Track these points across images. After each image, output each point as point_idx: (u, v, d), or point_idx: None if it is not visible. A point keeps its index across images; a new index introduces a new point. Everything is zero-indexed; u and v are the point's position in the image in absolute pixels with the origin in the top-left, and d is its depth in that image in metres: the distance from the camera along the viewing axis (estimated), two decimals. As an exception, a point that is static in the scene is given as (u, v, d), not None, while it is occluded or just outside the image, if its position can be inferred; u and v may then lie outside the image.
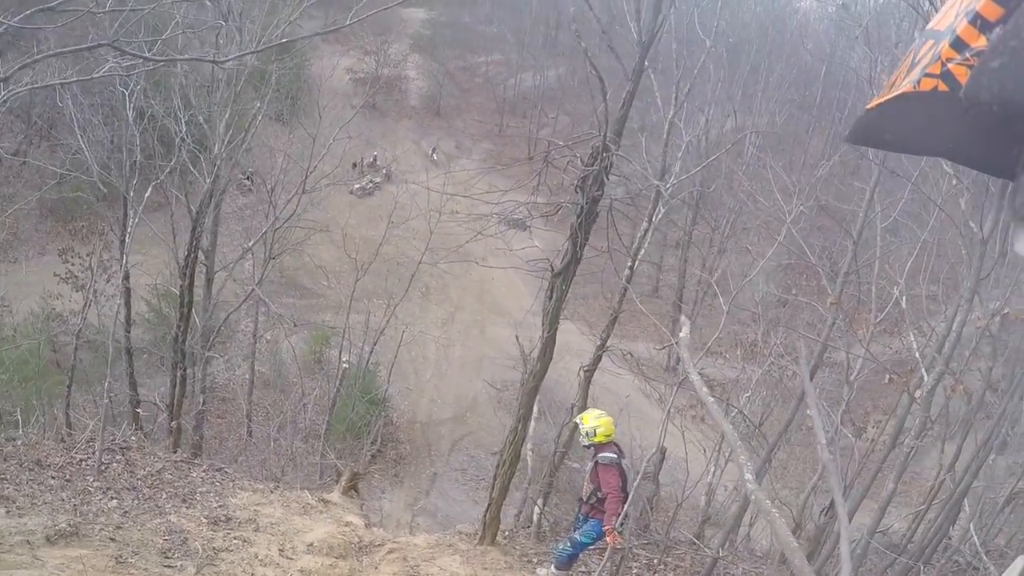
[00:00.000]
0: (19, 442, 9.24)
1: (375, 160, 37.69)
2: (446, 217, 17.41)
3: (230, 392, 23.54)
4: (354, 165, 35.76)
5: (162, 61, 8.63)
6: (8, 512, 6.62)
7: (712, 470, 13.39)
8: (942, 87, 1.10)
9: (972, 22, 1.04)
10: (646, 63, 7.34)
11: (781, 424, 13.46)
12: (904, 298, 10.15)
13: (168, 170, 13.45)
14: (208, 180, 13.81)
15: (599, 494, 7.78)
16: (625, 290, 10.43)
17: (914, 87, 1.15)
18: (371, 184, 36.93)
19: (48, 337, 16.73)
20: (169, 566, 6.68)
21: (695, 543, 11.45)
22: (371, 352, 22.62)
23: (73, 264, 13.22)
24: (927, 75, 1.12)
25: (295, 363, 23.80)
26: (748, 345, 22.92)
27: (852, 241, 10.70)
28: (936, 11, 1.19)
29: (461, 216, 10.44)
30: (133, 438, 10.35)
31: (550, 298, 8.45)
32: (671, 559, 10.65)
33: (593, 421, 7.76)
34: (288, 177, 19.34)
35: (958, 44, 1.06)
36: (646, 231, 10.47)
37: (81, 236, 16.02)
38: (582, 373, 11.29)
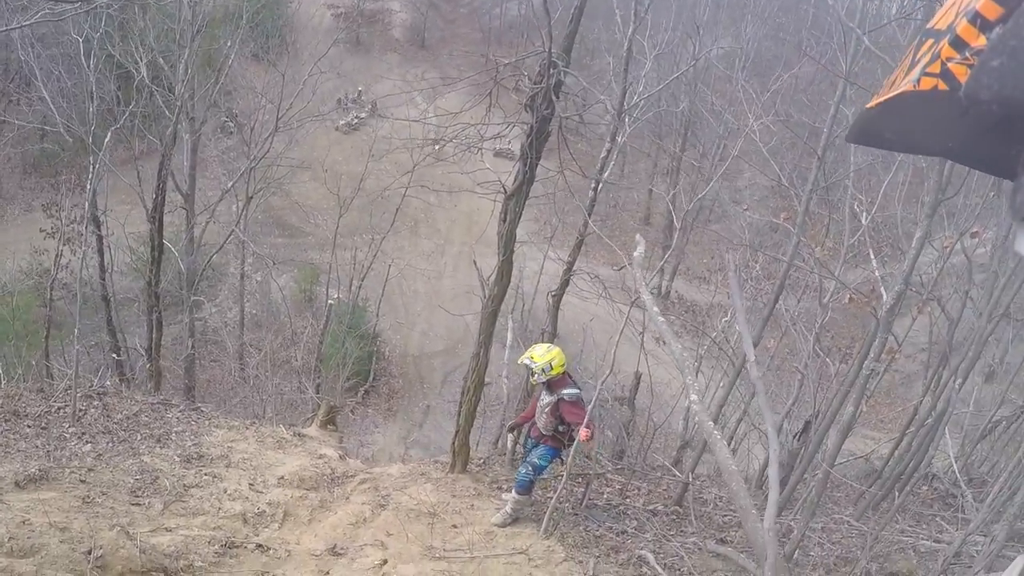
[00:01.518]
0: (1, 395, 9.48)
1: (360, 95, 37.32)
2: (427, 148, 17.37)
3: (223, 335, 23.76)
4: (339, 101, 35.44)
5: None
6: (-24, 460, 6.87)
7: (690, 394, 13.48)
8: (942, 86, 1.10)
9: (972, 21, 1.04)
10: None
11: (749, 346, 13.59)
12: (865, 214, 10.10)
13: (127, 114, 13.41)
14: (172, 121, 13.79)
15: (561, 427, 7.82)
16: (590, 213, 10.40)
17: (914, 86, 1.15)
18: (356, 120, 36.61)
19: (33, 292, 16.89)
20: (137, 504, 6.95)
21: (668, 468, 11.66)
22: (359, 288, 22.75)
23: (58, 218, 13.28)
24: (927, 74, 1.13)
25: (284, 303, 24.01)
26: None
27: (817, 157, 10.60)
28: None
29: (419, 143, 10.36)
30: (109, 383, 10.57)
31: (503, 220, 8.37)
32: (645, 484, 10.79)
33: (545, 355, 7.62)
34: (270, 117, 19.25)
35: (958, 43, 1.07)
36: (609, 151, 10.38)
37: (65, 190, 16.06)
38: (550, 298, 11.32)
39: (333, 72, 28.29)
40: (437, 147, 9.13)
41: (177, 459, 8.44)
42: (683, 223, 31.46)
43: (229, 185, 18.38)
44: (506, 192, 8.31)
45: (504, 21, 47.81)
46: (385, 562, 6.51)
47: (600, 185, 10.55)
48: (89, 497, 6.61)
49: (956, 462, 12.05)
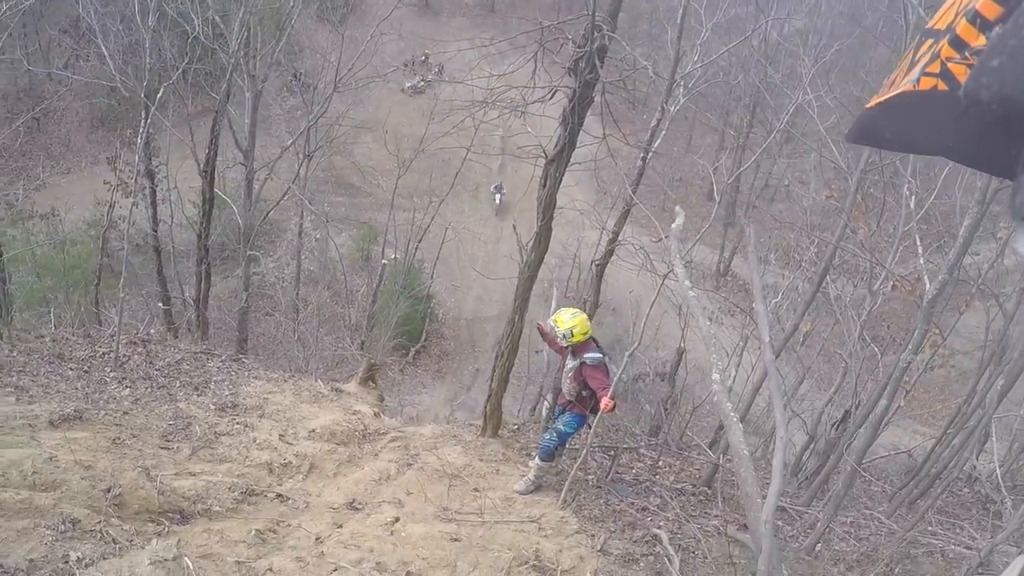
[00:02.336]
0: (47, 338, 9.85)
1: (427, 58, 37.33)
2: (491, 116, 17.29)
3: (278, 291, 24.24)
4: (406, 64, 35.52)
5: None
6: (19, 400, 7.17)
7: (733, 373, 13.32)
8: (941, 86, 1.12)
9: (971, 21, 1.05)
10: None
11: (805, 330, 13.36)
12: (913, 198, 9.78)
13: (179, 70, 13.66)
14: (226, 77, 14.03)
15: (584, 392, 7.80)
16: (637, 183, 10.29)
17: (913, 86, 1.17)
18: (423, 83, 36.68)
19: (94, 242, 17.42)
20: (166, 447, 7.19)
21: (701, 447, 11.55)
22: (415, 249, 22.97)
23: (122, 171, 13.67)
24: (926, 74, 1.15)
25: (341, 261, 24.35)
26: (784, 250, 22.54)
27: None
28: None
29: (459, 108, 10.34)
30: (154, 331, 10.90)
31: (543, 186, 8.32)
32: (678, 462, 10.73)
33: (569, 321, 7.59)
34: (333, 78, 19.42)
35: (957, 43, 1.08)
36: (659, 121, 10.22)
37: (130, 144, 16.53)
38: (593, 267, 11.25)
39: (398, 34, 28.35)
40: (481, 110, 9.06)
41: (212, 407, 8.69)
42: (748, 202, 30.96)
43: (289, 142, 18.61)
44: (547, 157, 8.23)
45: (577, -10, 47.10)
46: (397, 520, 6.63)
47: (649, 155, 10.42)
48: (120, 439, 6.86)
49: (1000, 466, 11.71)
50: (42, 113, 28.30)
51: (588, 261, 21.01)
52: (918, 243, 9.54)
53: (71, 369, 8.80)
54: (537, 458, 8.00)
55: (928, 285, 7.74)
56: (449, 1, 45.41)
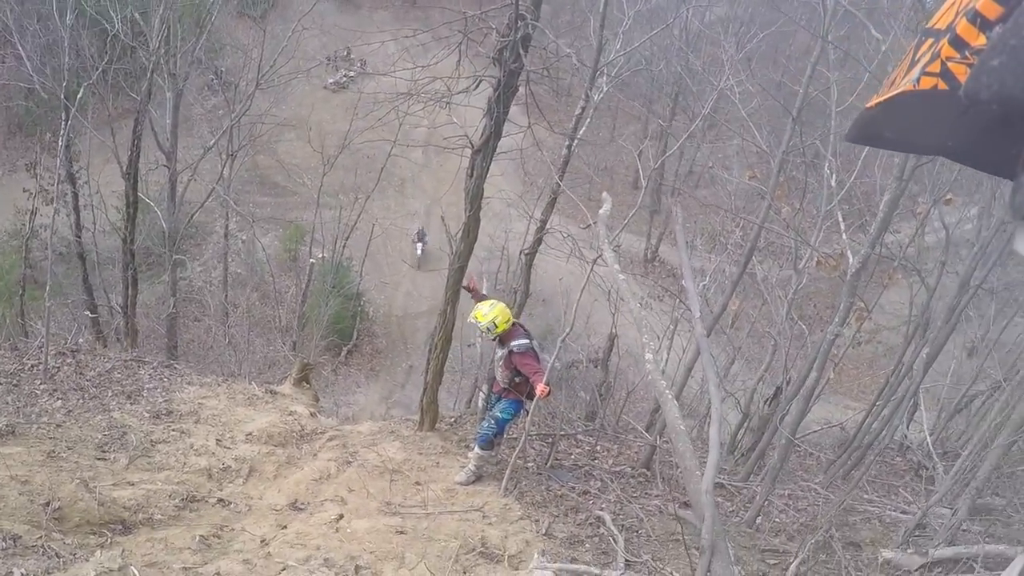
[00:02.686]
0: (-26, 354, 9.60)
1: (349, 53, 36.98)
2: (415, 108, 17.25)
3: (207, 295, 23.84)
4: (328, 59, 35.13)
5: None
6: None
7: (665, 356, 13.54)
8: (942, 86, 1.12)
9: (971, 20, 1.06)
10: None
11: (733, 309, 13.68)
12: (834, 177, 10.09)
13: (99, 70, 13.36)
14: (147, 76, 13.77)
15: (517, 379, 7.83)
16: (563, 172, 10.39)
17: (913, 86, 1.17)
18: (345, 78, 36.36)
19: (17, 253, 16.95)
20: (102, 458, 7.11)
21: (638, 430, 11.78)
22: (343, 247, 22.83)
23: (42, 177, 13.32)
24: (926, 74, 1.15)
25: (268, 262, 24.07)
26: (710, 235, 23.06)
27: (791, 119, 10.49)
28: None
29: (382, 100, 10.32)
30: (83, 341, 10.68)
31: (470, 176, 8.36)
32: (616, 446, 10.91)
33: (488, 313, 7.67)
34: (255, 75, 19.15)
35: (957, 42, 1.09)
36: (583, 109, 10.35)
37: (49, 148, 16.09)
38: (522, 257, 11.31)
39: (320, 29, 28.04)
40: (406, 103, 9.08)
41: (147, 415, 8.59)
42: (673, 188, 31.45)
43: (212, 142, 18.32)
44: (473, 147, 8.27)
45: (497, -18, 47.14)
46: (341, 517, 6.69)
47: (574, 143, 10.54)
48: (55, 452, 6.76)
49: (930, 435, 12.19)
50: (-48, 118, 27.29)
51: (516, 252, 21.25)
52: (840, 221, 9.84)
53: (2, 381, 8.60)
54: (476, 447, 8.07)
55: (851, 260, 8.02)
56: (373, -5, 45.07)
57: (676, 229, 8.49)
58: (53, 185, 12.20)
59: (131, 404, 8.89)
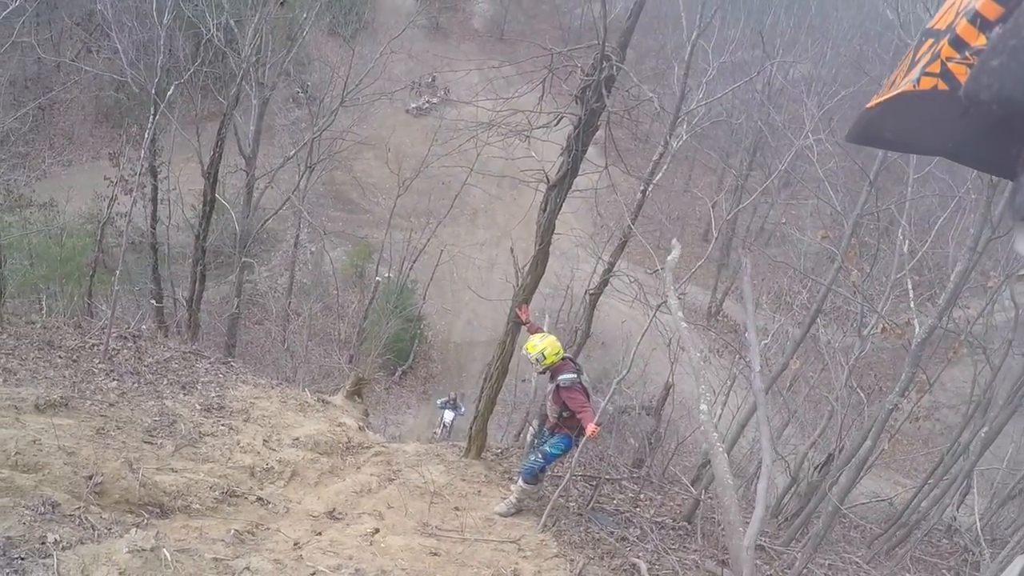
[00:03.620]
0: (38, 324, 9.80)
1: (434, 80, 37.59)
2: (494, 139, 17.37)
3: (270, 300, 24.19)
4: (412, 84, 35.75)
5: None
6: (6, 381, 7.13)
7: (719, 412, 13.26)
8: (942, 86, 1.10)
9: (972, 21, 1.04)
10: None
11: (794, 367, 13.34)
12: (907, 244, 9.84)
13: (191, 70, 13.74)
14: (236, 83, 14.12)
15: (565, 414, 7.76)
16: (635, 215, 10.34)
17: (913, 86, 1.15)
18: (427, 104, 36.93)
19: (90, 236, 17.43)
20: (149, 442, 7.14)
21: (683, 482, 11.52)
22: (409, 269, 23.01)
23: (122, 167, 13.71)
24: (926, 74, 1.13)
25: (334, 275, 24.35)
26: (776, 294, 22.66)
27: (868, 182, 10.31)
28: None
29: (461, 128, 10.42)
30: (145, 328, 10.84)
31: (543, 210, 8.38)
32: (659, 496, 10.67)
33: (539, 345, 7.62)
34: (340, 92, 19.51)
35: (957, 43, 1.07)
36: (661, 155, 10.29)
37: (134, 141, 16.61)
38: (587, 297, 11.26)
39: (407, 54, 28.53)
40: (486, 132, 9.15)
41: (198, 407, 8.63)
42: (743, 243, 31.05)
43: (292, 153, 18.69)
44: (549, 182, 8.30)
45: (584, 21, 47.63)
46: (377, 531, 6.58)
47: (649, 188, 10.48)
48: (104, 429, 6.80)
49: (980, 519, 11.70)
50: (48, 103, 28.27)
51: (581, 293, 21.15)
52: (910, 290, 9.58)
53: (60, 357, 8.74)
54: (520, 480, 7.97)
55: (917, 330, 7.78)
56: (459, 25, 45.85)
57: (744, 281, 8.32)
58: (134, 176, 12.52)
59: (184, 395, 8.95)
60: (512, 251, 10.34)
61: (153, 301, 14.32)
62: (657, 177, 10.68)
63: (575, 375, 7.64)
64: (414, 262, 22.71)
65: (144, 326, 11.69)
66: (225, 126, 14.20)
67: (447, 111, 32.56)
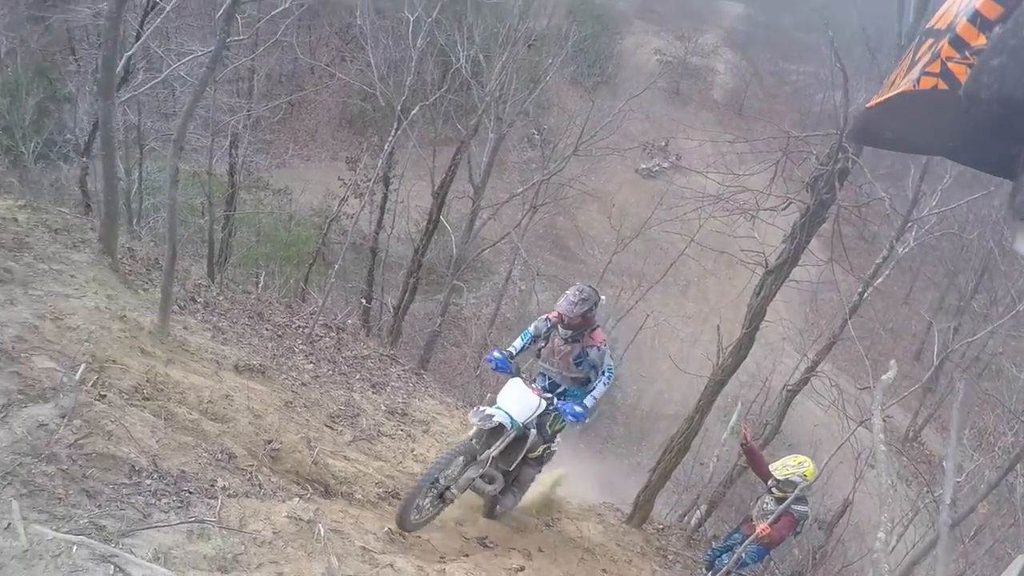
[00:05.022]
0: (252, 295, 10.47)
1: (666, 144, 37.55)
2: (717, 213, 17.13)
3: (471, 326, 24.72)
4: (645, 146, 35.87)
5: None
6: (214, 338, 7.58)
7: (895, 543, 12.28)
8: (942, 85, 1.10)
9: (972, 20, 1.04)
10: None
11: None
12: None
13: (436, 95, 14.41)
14: (477, 114, 14.66)
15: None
16: (851, 315, 9.78)
17: (913, 86, 1.15)
18: (657, 167, 36.89)
19: (315, 228, 18.59)
20: (330, 427, 7.37)
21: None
22: (613, 327, 22.88)
23: (358, 172, 14.63)
24: (926, 74, 1.12)
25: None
26: (980, 431, 20.71)
27: None
28: None
29: (688, 198, 10.35)
30: (349, 322, 11.33)
31: (757, 294, 8.25)
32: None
33: (810, 467, 7.41)
34: (574, 140, 19.87)
35: (957, 42, 1.06)
36: (885, 259, 9.74)
37: (373, 150, 17.73)
38: (784, 392, 10.82)
39: (644, 114, 28.67)
40: (712, 206, 9.10)
41: (383, 407, 8.87)
42: (956, 370, 28.64)
43: (519, 191, 19.16)
44: (767, 266, 8.17)
45: (825, 108, 46.12)
46: (522, 569, 6.43)
47: (868, 291, 9.98)
48: (292, 404, 7.08)
49: None
50: (298, 100, 30.63)
51: (779, 387, 20.22)
52: None
53: (266, 329, 9.24)
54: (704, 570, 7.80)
55: None
56: (699, 93, 45.66)
57: (955, 408, 7.62)
58: (367, 182, 13.24)
59: (373, 393, 9.22)
60: (719, 329, 10.13)
61: (363, 300, 15.00)
62: (878, 281, 10.16)
63: (806, 508, 7.54)
64: (618, 321, 22.54)
65: (350, 321, 12.23)
66: (460, 153, 14.77)
67: (676, 177, 32.38)
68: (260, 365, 7.38)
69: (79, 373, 4.76)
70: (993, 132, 1.04)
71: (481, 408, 6.42)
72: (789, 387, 10.73)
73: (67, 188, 15.51)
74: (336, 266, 9.81)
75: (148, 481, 4.05)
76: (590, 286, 6.55)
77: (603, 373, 6.65)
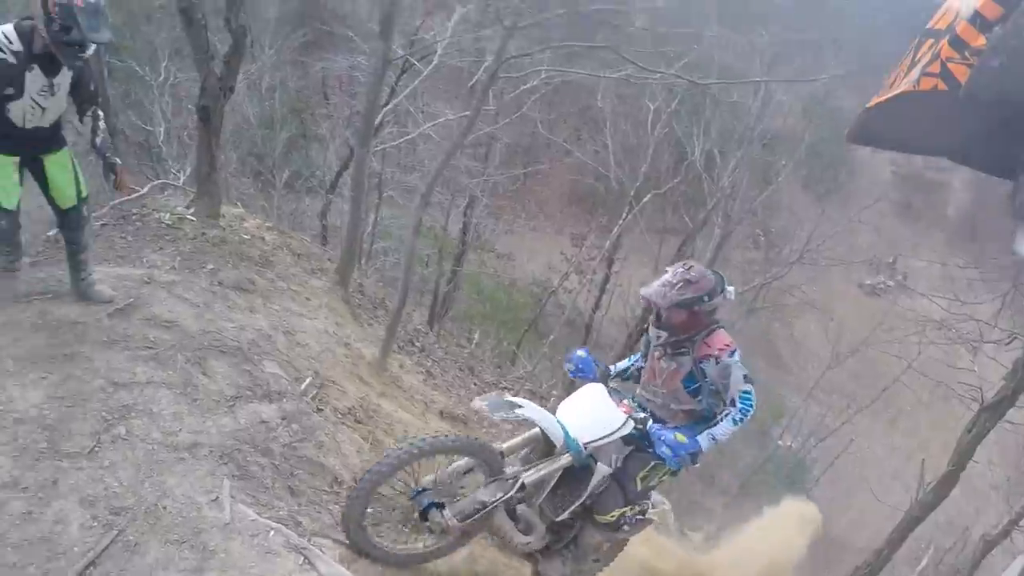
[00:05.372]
0: (466, 350, 10.99)
1: (894, 261, 35.75)
2: (938, 340, 16.28)
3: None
4: (872, 260, 34.33)
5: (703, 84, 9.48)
6: (425, 382, 8.10)
7: None
8: (941, 86, 1.19)
9: (972, 21, 1.14)
10: None
11: None
12: None
13: (669, 185, 14.67)
14: (707, 208, 14.78)
15: None
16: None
17: (913, 86, 1.24)
18: (882, 285, 35.13)
19: (531, 297, 19.21)
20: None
21: None
22: (813, 447, 22.08)
23: (582, 250, 15.11)
24: (926, 74, 1.22)
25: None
26: None
27: None
28: None
29: (911, 319, 9.96)
30: (554, 393, 11.62)
31: (968, 431, 7.73)
32: None
33: None
34: (799, 246, 19.56)
35: (958, 43, 1.16)
36: None
37: (600, 230, 18.20)
38: (981, 541, 9.97)
39: (874, 227, 27.59)
40: (933, 332, 8.79)
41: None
42: None
43: (742, 290, 19.02)
44: (983, 403, 7.67)
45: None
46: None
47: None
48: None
49: None
50: (533, 172, 31.77)
51: (976, 536, 18.53)
52: None
53: (474, 384, 9.67)
54: None
55: None
56: (932, 209, 42.96)
57: None
58: (591, 260, 13.62)
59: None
60: (923, 463, 9.64)
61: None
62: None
63: None
64: (821, 441, 21.64)
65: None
66: (686, 245, 14.94)
67: (900, 297, 30.75)
68: (463, 416, 7.77)
69: (304, 385, 5.41)
70: (993, 132, 1.10)
71: (505, 398, 4.56)
72: (987, 537, 9.91)
73: (306, 218, 17.03)
74: (551, 337, 10.16)
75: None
76: (711, 269, 4.40)
77: (733, 403, 4.28)
